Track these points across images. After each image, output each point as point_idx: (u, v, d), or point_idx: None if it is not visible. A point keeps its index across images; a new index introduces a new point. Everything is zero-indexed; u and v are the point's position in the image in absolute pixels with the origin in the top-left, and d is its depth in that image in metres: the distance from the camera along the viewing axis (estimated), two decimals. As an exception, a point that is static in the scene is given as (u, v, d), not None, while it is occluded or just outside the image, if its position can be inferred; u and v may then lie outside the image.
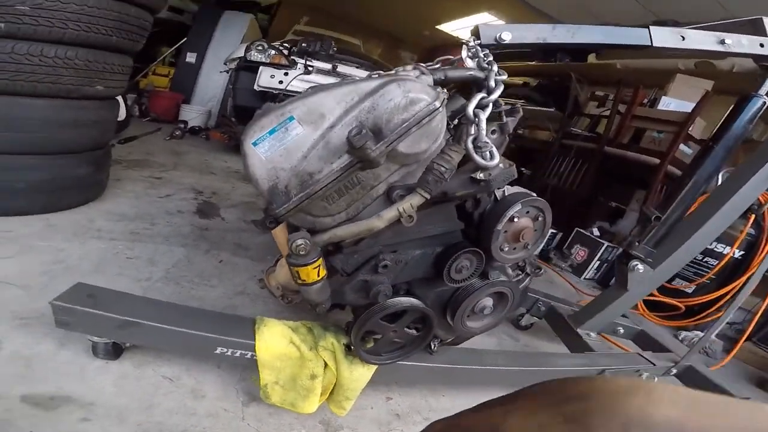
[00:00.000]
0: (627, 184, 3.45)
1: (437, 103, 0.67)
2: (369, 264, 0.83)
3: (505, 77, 0.85)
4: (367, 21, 6.94)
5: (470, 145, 0.74)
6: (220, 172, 3.11)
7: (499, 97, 0.82)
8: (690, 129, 2.97)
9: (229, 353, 1.04)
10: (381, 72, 0.87)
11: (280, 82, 2.92)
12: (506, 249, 0.90)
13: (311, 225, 0.74)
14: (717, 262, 2.54)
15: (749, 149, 2.32)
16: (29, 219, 1.62)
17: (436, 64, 1.05)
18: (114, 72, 1.74)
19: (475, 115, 0.75)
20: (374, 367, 1.08)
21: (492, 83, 0.81)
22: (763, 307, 2.13)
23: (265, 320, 1.07)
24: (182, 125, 4.18)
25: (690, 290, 2.66)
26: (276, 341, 1.02)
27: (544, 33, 1.03)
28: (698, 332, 2.47)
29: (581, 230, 3.31)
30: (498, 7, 4.84)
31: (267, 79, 2.91)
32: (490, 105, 0.78)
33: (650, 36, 1.14)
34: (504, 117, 0.84)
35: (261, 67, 2.89)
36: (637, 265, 1.51)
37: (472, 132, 0.75)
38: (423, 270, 0.91)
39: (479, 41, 0.92)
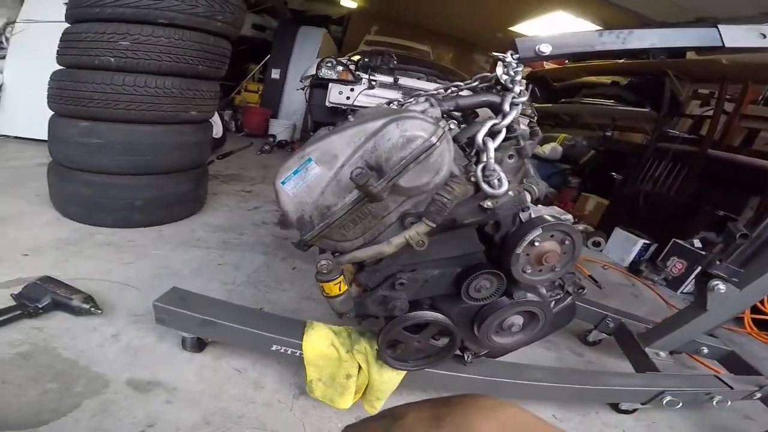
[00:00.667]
0: (738, 191, 3.03)
1: (434, 139, 0.73)
2: (388, 281, 0.92)
3: (524, 98, 0.86)
4: (435, 27, 6.91)
5: (479, 174, 0.79)
6: (300, 184, 3.41)
7: (529, 115, 0.83)
8: None
9: (282, 350, 1.20)
10: (439, 87, 0.88)
11: (348, 98, 3.07)
12: (529, 271, 0.91)
13: (334, 248, 0.85)
14: None
15: None
16: (146, 230, 1.99)
17: (475, 81, 1.09)
18: (204, 98, 1.99)
19: (484, 143, 0.78)
20: (403, 372, 1.16)
21: (506, 107, 0.83)
22: None
23: (314, 324, 1.21)
24: (271, 139, 4.59)
25: None
26: (319, 342, 1.16)
27: (589, 40, 0.97)
28: (817, 354, 2.09)
29: (679, 241, 2.99)
30: (573, 5, 4.51)
31: (336, 95, 3.09)
32: (503, 131, 0.81)
33: (720, 36, 1.02)
34: (521, 141, 0.85)
35: (330, 84, 3.07)
36: (718, 284, 1.38)
37: (483, 159, 0.79)
38: (444, 288, 0.97)
39: (517, 56, 0.91)
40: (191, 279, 1.69)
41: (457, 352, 1.22)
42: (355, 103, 2.98)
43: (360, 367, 1.17)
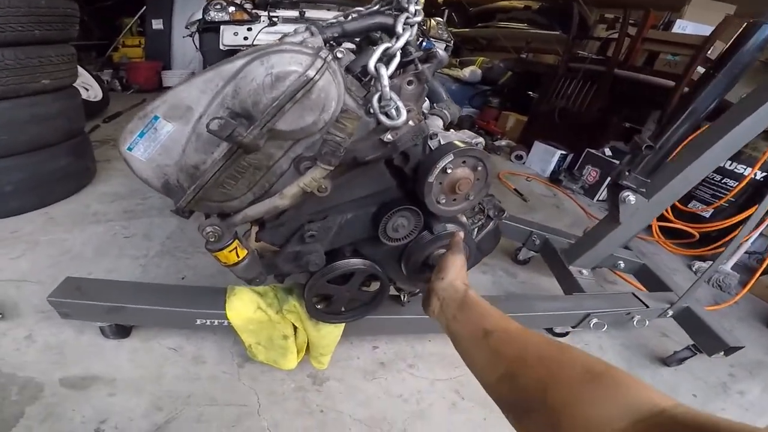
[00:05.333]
0: (641, 105, 3.35)
1: (311, 73, 0.62)
2: (296, 235, 0.85)
3: (418, 18, 0.76)
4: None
5: (375, 105, 0.70)
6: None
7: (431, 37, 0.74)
8: (708, 52, 2.79)
9: (208, 323, 1.13)
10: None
11: (245, 38, 2.78)
12: (444, 201, 0.87)
13: (219, 210, 0.75)
14: (736, 183, 2.34)
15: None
16: (30, 216, 1.72)
17: (376, 5, 0.96)
18: (55, 63, 1.73)
19: (377, 70, 0.69)
20: (342, 325, 1.13)
21: (399, 28, 0.74)
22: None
23: (236, 289, 1.13)
24: (168, 92, 4.12)
25: (707, 214, 2.50)
26: (244, 308, 1.09)
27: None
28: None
29: (592, 150, 3.22)
30: None
31: (231, 37, 2.78)
32: (397, 55, 0.72)
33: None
34: (419, 65, 0.77)
35: (222, 27, 2.75)
36: (628, 195, 1.45)
37: (378, 88, 0.70)
38: (362, 231, 0.91)
39: None
40: (96, 260, 1.52)
41: (394, 292, 1.21)
42: (256, 43, 2.67)
43: (296, 327, 1.13)
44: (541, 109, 3.82)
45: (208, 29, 2.78)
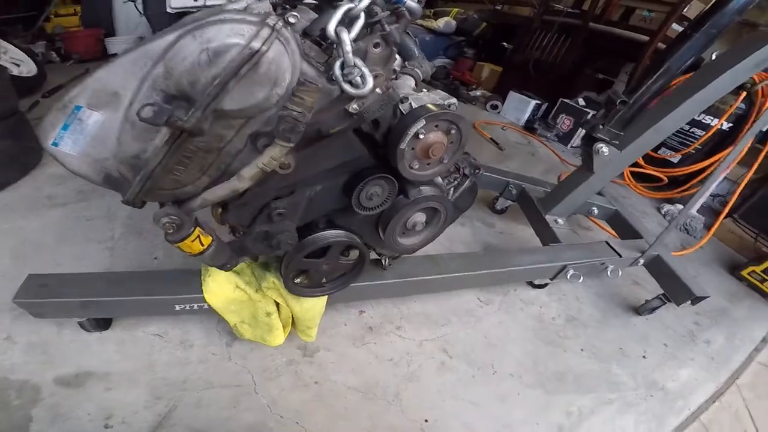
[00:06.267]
0: (614, 58, 3.41)
1: (256, 44, 0.55)
2: (263, 214, 0.80)
3: None
4: None
5: (338, 72, 0.64)
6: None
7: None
8: (684, 10, 2.79)
9: (187, 308, 1.10)
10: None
11: None
12: (417, 166, 0.84)
13: (174, 197, 0.69)
14: (703, 132, 2.47)
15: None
16: (-23, 206, 1.57)
17: None
18: None
19: (337, 34, 0.62)
20: (325, 296, 1.12)
21: None
22: (748, 177, 2.00)
23: (210, 270, 1.08)
24: (113, 60, 3.77)
25: (675, 160, 2.63)
26: (222, 289, 1.06)
27: None
28: (681, 206, 2.44)
29: (566, 100, 3.29)
30: None
31: None
32: (361, 16, 0.64)
33: None
34: (386, 25, 0.70)
35: None
36: (602, 147, 1.47)
37: (340, 54, 0.63)
38: (334, 202, 0.88)
39: None
40: (61, 247, 1.42)
41: (375, 256, 1.19)
42: (209, 2, 2.41)
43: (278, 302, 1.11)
44: (515, 60, 3.82)
45: (150, -10, 2.50)
